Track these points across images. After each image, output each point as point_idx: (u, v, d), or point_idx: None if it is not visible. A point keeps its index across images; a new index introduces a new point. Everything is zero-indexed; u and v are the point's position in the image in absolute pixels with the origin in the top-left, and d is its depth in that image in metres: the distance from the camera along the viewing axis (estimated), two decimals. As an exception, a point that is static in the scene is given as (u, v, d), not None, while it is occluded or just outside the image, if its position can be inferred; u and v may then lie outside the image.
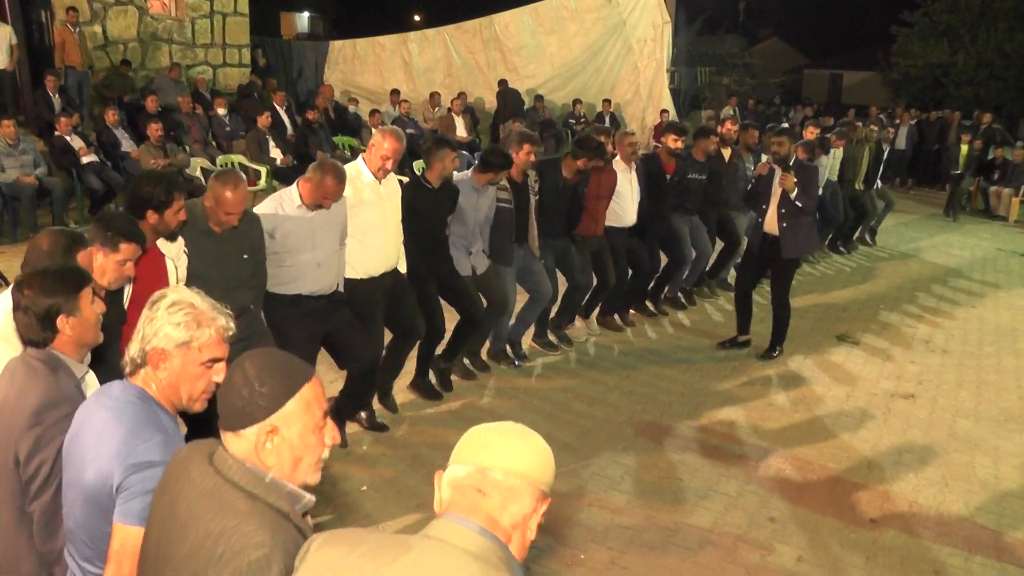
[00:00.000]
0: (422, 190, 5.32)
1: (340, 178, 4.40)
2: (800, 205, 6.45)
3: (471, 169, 5.76)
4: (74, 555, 2.20)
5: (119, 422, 2.07)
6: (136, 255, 3.25)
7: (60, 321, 2.42)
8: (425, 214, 5.31)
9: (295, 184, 4.55)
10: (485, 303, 5.91)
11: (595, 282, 6.97)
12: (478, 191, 5.65)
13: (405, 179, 5.51)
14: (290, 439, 1.72)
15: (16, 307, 2.42)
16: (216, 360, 2.17)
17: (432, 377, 5.93)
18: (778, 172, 6.57)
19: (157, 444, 2.06)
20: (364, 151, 5.07)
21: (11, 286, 2.50)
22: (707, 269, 8.54)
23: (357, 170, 4.90)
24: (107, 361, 2.98)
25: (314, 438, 1.76)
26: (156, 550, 1.78)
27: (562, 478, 4.81)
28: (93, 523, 2.11)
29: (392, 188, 5.08)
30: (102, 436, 2.07)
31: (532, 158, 5.95)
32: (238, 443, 1.72)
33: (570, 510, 4.51)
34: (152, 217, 3.64)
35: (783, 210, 6.53)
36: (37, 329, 2.41)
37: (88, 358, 2.62)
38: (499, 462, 1.56)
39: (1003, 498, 4.97)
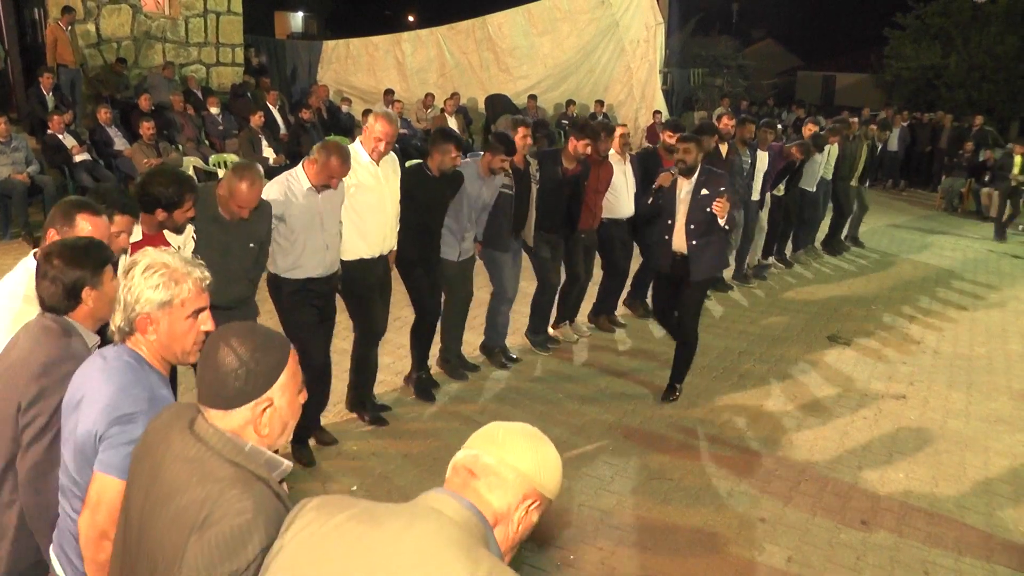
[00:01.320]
0: (423, 177, 5.34)
1: (344, 157, 4.45)
2: (728, 228, 5.66)
3: (473, 158, 5.77)
4: (67, 509, 2.27)
5: (109, 381, 2.15)
6: (131, 227, 3.31)
7: (85, 293, 2.51)
8: (424, 201, 5.33)
9: (300, 166, 4.55)
10: (448, 297, 5.92)
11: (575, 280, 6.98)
12: (482, 179, 5.69)
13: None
14: (281, 408, 1.82)
15: (43, 276, 2.50)
16: (200, 310, 2.24)
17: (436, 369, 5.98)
18: (682, 183, 5.75)
19: (141, 400, 2.13)
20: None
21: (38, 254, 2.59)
22: None
23: (355, 152, 4.90)
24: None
25: (297, 403, 1.88)
26: (140, 516, 1.83)
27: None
28: (84, 476, 2.17)
29: (391, 170, 5.08)
30: (94, 395, 2.15)
31: (529, 140, 6.02)
32: (228, 419, 1.78)
33: (559, 511, 4.50)
34: (161, 215, 3.68)
35: (692, 226, 5.69)
36: (62, 298, 2.50)
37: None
38: (495, 450, 1.64)
39: (993, 499, 4.99)
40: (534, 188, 6.17)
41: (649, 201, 5.87)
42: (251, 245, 4.27)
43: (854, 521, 4.63)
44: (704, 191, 5.60)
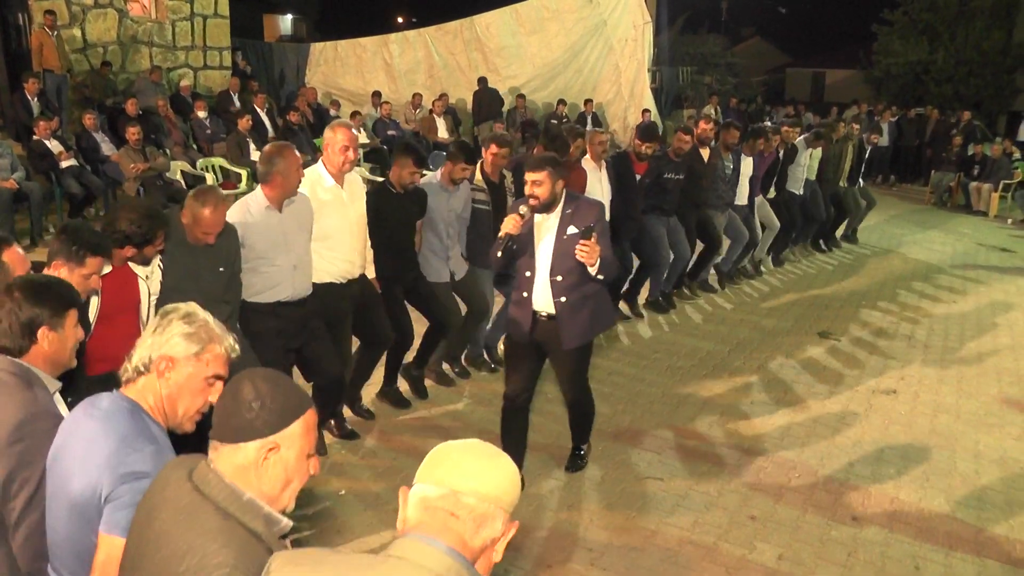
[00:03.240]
0: (387, 195, 5.23)
1: (292, 150, 4.34)
2: (602, 278, 4.27)
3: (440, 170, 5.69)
4: (59, 569, 2.15)
5: (109, 433, 2.04)
6: (101, 268, 3.21)
7: (41, 333, 2.36)
8: (391, 219, 5.21)
9: (257, 189, 4.41)
10: (465, 308, 5.86)
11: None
12: (447, 191, 5.53)
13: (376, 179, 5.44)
14: (287, 459, 1.76)
15: None
16: (219, 378, 2.19)
17: (405, 384, 5.86)
18: (541, 222, 4.32)
19: (149, 455, 2.04)
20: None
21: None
22: (687, 271, 8.55)
23: (317, 175, 4.74)
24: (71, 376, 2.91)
25: (305, 464, 1.81)
26: (133, 564, 1.78)
27: (541, 481, 4.79)
28: (80, 535, 2.07)
29: (355, 191, 4.95)
30: (91, 446, 2.04)
31: (502, 160, 5.88)
32: (235, 456, 1.73)
33: (549, 512, 4.49)
34: (130, 251, 3.59)
35: (558, 278, 4.27)
36: (16, 336, 2.35)
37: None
38: (472, 485, 1.54)
39: (983, 493, 4.99)
40: (510, 200, 6.07)
41: (499, 254, 4.31)
42: (220, 269, 4.14)
43: (845, 517, 4.62)
44: (572, 229, 4.20)
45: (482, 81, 16.92)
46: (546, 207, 4.21)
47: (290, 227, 4.45)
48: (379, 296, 5.27)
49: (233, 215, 4.25)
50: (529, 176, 4.17)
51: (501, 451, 1.64)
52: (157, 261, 3.87)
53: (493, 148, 5.84)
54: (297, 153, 4.37)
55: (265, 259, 4.38)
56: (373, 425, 5.43)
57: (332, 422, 5.19)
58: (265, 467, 1.73)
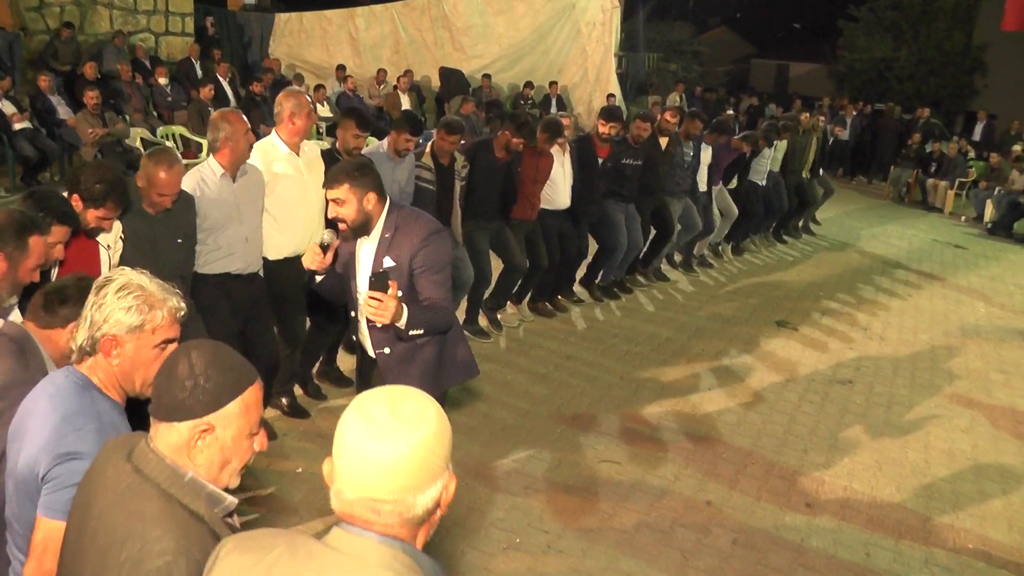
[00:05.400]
0: (334, 162, 5.07)
1: (238, 115, 4.24)
2: (420, 333, 3.27)
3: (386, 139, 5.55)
4: (11, 546, 2.13)
5: (54, 410, 2.01)
6: (67, 237, 3.15)
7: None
8: None
9: (210, 158, 4.29)
10: None
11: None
12: (392, 161, 5.39)
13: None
14: (223, 440, 1.68)
15: None
16: (169, 341, 2.11)
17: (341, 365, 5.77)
18: (360, 247, 3.39)
19: (89, 433, 1.98)
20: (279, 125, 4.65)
21: None
22: (640, 258, 8.56)
23: (270, 145, 4.60)
24: None
25: (246, 443, 1.73)
26: (73, 550, 1.73)
27: (497, 464, 4.77)
28: (25, 512, 2.04)
29: (312, 159, 4.79)
30: (39, 424, 2.01)
31: (450, 147, 5.77)
32: (169, 435, 1.67)
33: (505, 495, 4.48)
34: (76, 202, 3.47)
35: (378, 323, 3.24)
36: None
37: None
38: (385, 485, 1.40)
39: (932, 484, 5.08)
40: (458, 185, 5.96)
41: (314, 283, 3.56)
42: (179, 240, 4.05)
43: (799, 504, 4.68)
44: (388, 261, 3.26)
45: (443, 69, 16.86)
46: (360, 229, 3.26)
47: (243, 198, 4.35)
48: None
49: (187, 183, 4.11)
50: (328, 194, 3.25)
51: (420, 408, 1.45)
52: (119, 233, 3.77)
53: (442, 133, 5.73)
54: (244, 118, 4.25)
55: (218, 229, 4.27)
56: (325, 407, 5.31)
57: (283, 400, 5.12)
58: (199, 448, 1.66)
